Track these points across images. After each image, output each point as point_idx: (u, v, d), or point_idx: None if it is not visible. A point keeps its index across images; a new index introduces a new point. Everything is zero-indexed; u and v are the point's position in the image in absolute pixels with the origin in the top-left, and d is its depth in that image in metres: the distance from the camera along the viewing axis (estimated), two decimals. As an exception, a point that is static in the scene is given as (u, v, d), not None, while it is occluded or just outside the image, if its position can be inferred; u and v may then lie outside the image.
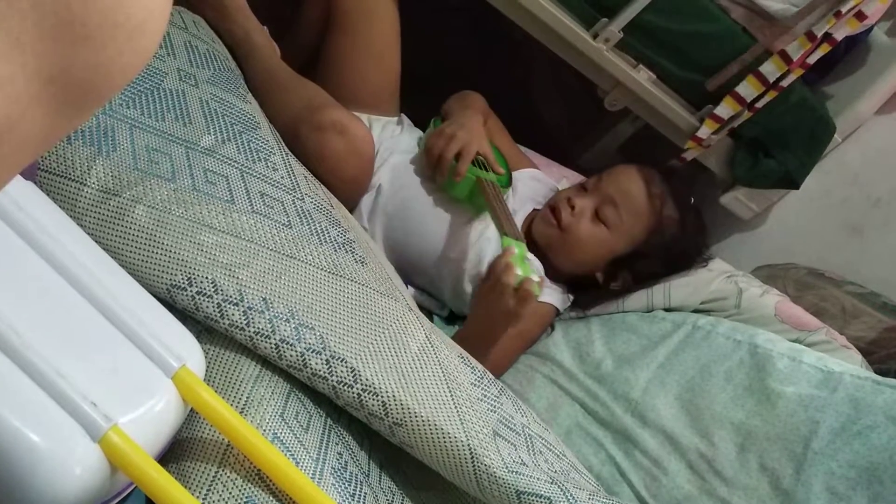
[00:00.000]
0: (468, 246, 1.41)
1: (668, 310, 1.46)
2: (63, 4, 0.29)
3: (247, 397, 0.76)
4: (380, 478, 0.85)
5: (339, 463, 0.79)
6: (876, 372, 1.29)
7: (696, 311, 1.45)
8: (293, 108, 1.26)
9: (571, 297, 1.50)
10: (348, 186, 1.29)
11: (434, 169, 1.38)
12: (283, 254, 0.87)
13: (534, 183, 1.58)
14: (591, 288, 1.48)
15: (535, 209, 1.53)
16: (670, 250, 1.44)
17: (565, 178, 1.68)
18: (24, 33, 0.29)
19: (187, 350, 0.70)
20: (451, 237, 1.41)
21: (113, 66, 0.33)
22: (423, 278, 1.46)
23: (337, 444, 0.81)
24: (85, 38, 0.31)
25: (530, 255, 1.20)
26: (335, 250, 0.94)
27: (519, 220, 1.49)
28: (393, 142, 1.46)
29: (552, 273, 1.46)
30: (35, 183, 0.79)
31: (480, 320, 1.23)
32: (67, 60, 0.31)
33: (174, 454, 0.71)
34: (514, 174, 1.55)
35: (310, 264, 0.89)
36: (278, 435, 0.74)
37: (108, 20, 0.31)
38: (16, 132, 0.31)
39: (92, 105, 0.35)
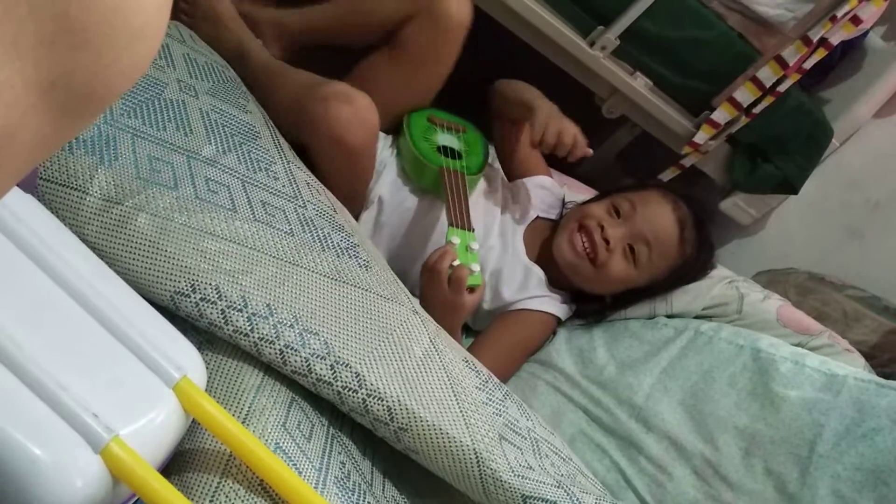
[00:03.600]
0: None
1: (669, 316, 1.46)
2: (61, 10, 0.29)
3: (249, 407, 0.76)
4: (383, 486, 0.85)
5: (342, 472, 0.78)
6: (879, 375, 1.28)
7: (697, 317, 1.45)
8: (295, 87, 1.26)
9: (574, 307, 1.50)
10: (354, 157, 1.27)
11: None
12: (286, 261, 0.87)
13: (539, 190, 1.57)
14: (596, 302, 1.48)
15: (539, 217, 1.53)
16: (682, 279, 1.46)
17: (566, 186, 1.68)
18: (21, 39, 0.29)
19: (188, 360, 0.70)
20: None
21: (112, 72, 0.33)
22: None
23: (340, 454, 0.81)
24: (83, 43, 0.31)
25: (475, 246, 1.21)
26: (338, 256, 0.94)
27: (522, 227, 1.49)
28: (387, 153, 1.46)
29: (555, 282, 1.46)
30: (35, 193, 0.79)
31: (429, 312, 1.24)
32: (66, 66, 0.31)
33: (176, 465, 0.71)
34: (523, 180, 1.56)
35: (312, 271, 0.89)
36: (280, 445, 0.74)
37: (107, 25, 0.31)
38: (15, 139, 0.31)
39: (92, 111, 0.34)
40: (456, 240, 1.19)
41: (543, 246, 1.48)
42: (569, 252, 1.40)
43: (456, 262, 1.15)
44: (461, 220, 1.25)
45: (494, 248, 1.43)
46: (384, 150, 1.46)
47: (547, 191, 1.59)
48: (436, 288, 1.15)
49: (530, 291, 1.43)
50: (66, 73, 0.31)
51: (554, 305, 1.45)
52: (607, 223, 1.38)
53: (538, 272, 1.45)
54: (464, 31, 1.37)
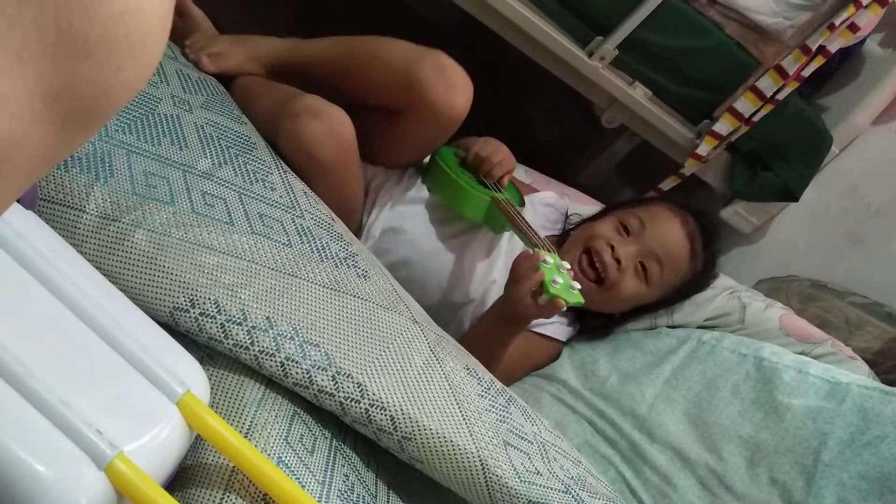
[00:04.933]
0: (473, 290, 1.39)
1: (671, 327, 1.46)
2: (64, 19, 0.29)
3: (250, 421, 0.75)
4: (388, 498, 0.84)
5: (346, 485, 0.78)
6: (883, 382, 1.28)
7: (699, 327, 1.45)
8: (270, 105, 1.23)
9: (578, 326, 1.49)
10: (328, 173, 1.21)
11: (474, 171, 1.38)
12: (285, 273, 0.87)
13: (545, 208, 1.56)
14: (604, 318, 1.47)
15: (548, 235, 1.52)
16: (688, 294, 1.46)
17: (567, 196, 1.68)
18: (25, 50, 0.29)
19: (191, 376, 0.69)
20: (456, 282, 1.39)
21: (114, 82, 0.33)
22: None
23: (343, 466, 0.80)
24: (86, 53, 0.30)
25: (567, 265, 1.16)
26: (336, 266, 0.94)
27: None
28: (392, 185, 1.43)
29: None
30: (35, 212, 0.78)
31: (501, 308, 1.23)
32: (69, 76, 0.31)
33: (180, 481, 0.70)
34: (527, 198, 1.54)
35: (311, 282, 0.88)
36: (283, 459, 0.73)
37: (109, 35, 0.31)
38: (19, 151, 0.31)
39: (94, 122, 0.34)
40: (549, 259, 1.14)
41: None
42: (579, 274, 1.38)
43: (560, 281, 1.10)
44: (542, 243, 1.21)
45: (497, 282, 1.39)
46: (386, 180, 1.43)
47: (552, 207, 1.57)
48: (524, 296, 1.13)
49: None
50: (70, 83, 0.31)
51: (560, 330, 1.45)
52: (617, 242, 1.37)
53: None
54: (461, 118, 1.28)
